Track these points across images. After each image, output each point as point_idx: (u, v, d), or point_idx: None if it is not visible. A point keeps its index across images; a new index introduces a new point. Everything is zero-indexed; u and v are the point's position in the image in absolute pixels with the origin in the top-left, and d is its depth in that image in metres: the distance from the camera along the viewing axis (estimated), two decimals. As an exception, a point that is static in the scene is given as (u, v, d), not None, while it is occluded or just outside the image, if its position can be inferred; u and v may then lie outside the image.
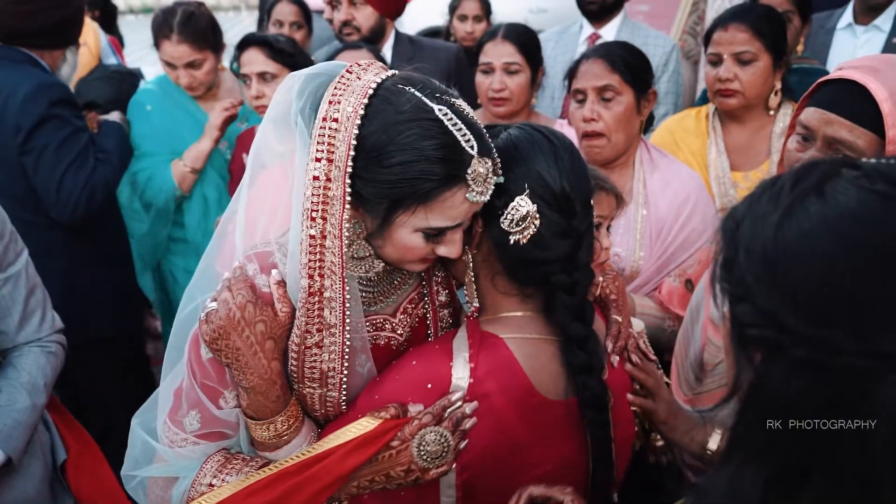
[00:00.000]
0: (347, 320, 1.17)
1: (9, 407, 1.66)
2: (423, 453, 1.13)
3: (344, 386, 1.22)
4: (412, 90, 1.09)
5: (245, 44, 2.63)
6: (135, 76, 3.41)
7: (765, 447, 0.74)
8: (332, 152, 1.06)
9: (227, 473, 1.19)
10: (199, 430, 1.21)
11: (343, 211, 1.09)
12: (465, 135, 1.08)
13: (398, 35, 3.21)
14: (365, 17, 3.03)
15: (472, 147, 1.08)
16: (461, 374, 1.17)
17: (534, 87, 2.60)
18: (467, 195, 1.10)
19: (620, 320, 1.32)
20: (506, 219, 1.17)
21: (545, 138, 1.21)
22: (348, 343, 1.19)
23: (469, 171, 1.08)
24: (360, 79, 1.10)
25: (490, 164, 1.11)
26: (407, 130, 1.05)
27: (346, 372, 1.20)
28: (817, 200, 0.73)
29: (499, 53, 2.51)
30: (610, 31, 3.23)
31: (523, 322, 1.23)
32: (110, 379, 2.69)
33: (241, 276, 1.16)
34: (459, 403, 1.15)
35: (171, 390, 1.26)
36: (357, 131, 1.06)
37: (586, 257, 1.21)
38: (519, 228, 1.16)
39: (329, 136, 1.06)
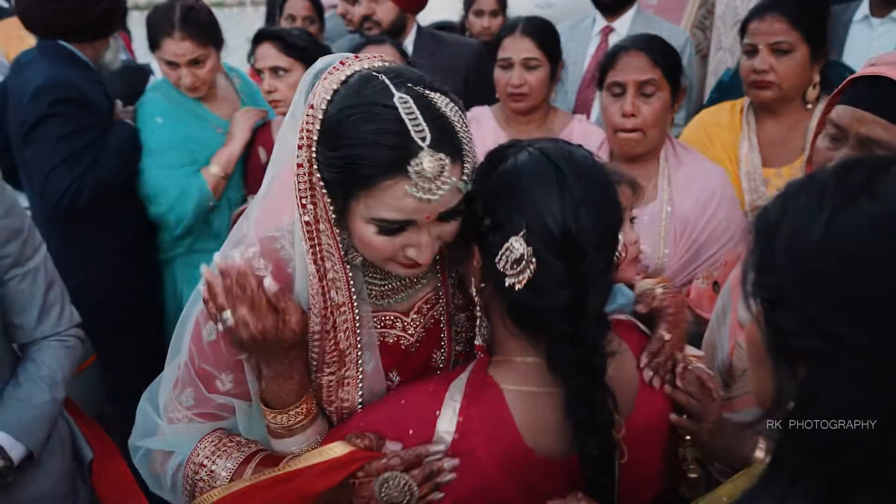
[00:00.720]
0: (354, 297, 1.19)
1: (28, 401, 1.66)
2: (383, 495, 1.11)
3: (360, 366, 1.24)
4: (383, 77, 1.05)
5: (259, 38, 2.61)
6: (145, 71, 3.39)
7: (813, 464, 0.71)
8: (310, 139, 1.07)
9: (217, 456, 1.23)
10: (193, 407, 1.26)
11: (323, 196, 1.10)
12: (418, 125, 1.01)
13: (420, 30, 3.20)
14: (385, 10, 3.03)
15: (422, 138, 1.01)
16: (447, 427, 1.11)
17: (553, 82, 2.58)
18: (407, 188, 1.02)
19: (667, 338, 1.24)
20: (500, 259, 1.08)
21: (554, 167, 1.08)
22: (358, 318, 1.20)
23: (412, 163, 1.01)
24: (348, 68, 1.09)
25: (445, 161, 1.02)
26: (355, 114, 1.03)
27: (360, 346, 1.22)
28: (868, 201, 0.69)
29: (518, 48, 2.49)
30: (623, 24, 3.21)
31: (530, 370, 1.14)
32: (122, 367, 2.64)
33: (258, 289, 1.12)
34: (438, 456, 1.10)
35: (174, 369, 1.31)
36: (321, 116, 1.06)
37: (597, 305, 1.08)
38: (514, 272, 1.07)
39: (307, 122, 1.07)
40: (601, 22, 3.26)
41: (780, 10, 2.22)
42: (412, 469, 1.09)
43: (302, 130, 1.08)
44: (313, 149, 1.07)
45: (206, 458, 1.24)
